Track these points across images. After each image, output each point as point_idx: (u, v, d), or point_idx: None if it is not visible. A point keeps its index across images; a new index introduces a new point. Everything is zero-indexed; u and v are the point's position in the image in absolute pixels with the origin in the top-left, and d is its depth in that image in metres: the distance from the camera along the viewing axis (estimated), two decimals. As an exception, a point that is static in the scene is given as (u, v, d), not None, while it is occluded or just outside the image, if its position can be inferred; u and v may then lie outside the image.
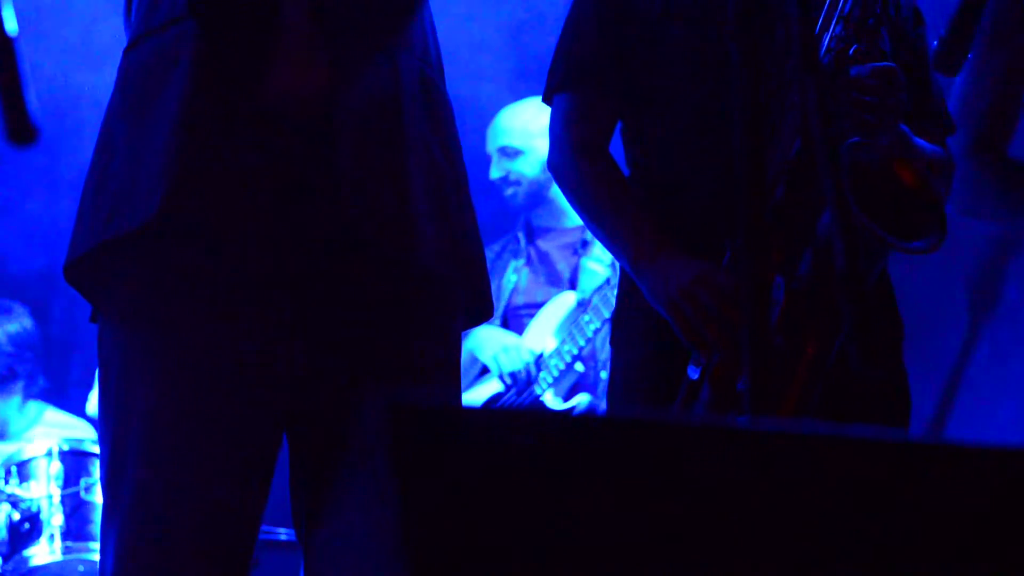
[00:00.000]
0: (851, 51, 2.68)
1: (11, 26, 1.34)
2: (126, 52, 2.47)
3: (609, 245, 2.98)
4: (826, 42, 2.70)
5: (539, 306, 5.25)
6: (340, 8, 2.42)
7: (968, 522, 1.17)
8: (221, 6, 2.39)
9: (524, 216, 5.39)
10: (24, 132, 1.32)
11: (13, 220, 6.31)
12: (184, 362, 2.36)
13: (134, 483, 2.34)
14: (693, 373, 2.70)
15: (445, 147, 2.51)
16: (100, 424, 2.45)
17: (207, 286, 2.36)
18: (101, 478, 2.43)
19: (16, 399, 5.51)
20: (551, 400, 5.13)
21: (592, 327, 5.00)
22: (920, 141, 2.87)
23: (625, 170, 3.05)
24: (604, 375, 4.97)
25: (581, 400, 5.09)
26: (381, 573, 2.11)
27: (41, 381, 5.58)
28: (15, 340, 5.47)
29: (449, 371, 2.50)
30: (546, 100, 3.09)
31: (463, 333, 2.61)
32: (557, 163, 3.04)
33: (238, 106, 2.35)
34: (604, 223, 2.93)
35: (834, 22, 2.69)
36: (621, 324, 3.00)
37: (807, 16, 1.63)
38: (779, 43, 2.65)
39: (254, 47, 2.38)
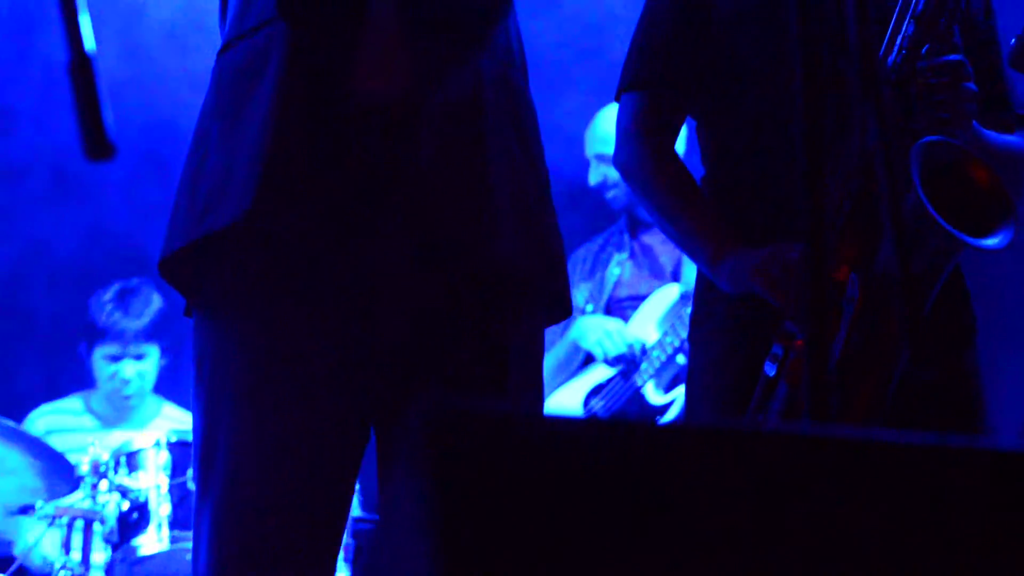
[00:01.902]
0: (923, 51, 2.69)
1: (89, 44, 1.41)
2: (220, 55, 2.54)
3: (682, 243, 3.03)
4: (898, 43, 2.72)
5: (642, 298, 5.30)
6: (426, 12, 2.47)
7: None
8: (310, 7, 2.45)
9: (627, 211, 5.44)
10: (102, 148, 1.38)
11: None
12: (274, 354, 2.42)
13: (224, 471, 2.41)
14: (770, 370, 2.74)
15: (527, 149, 2.55)
16: (193, 414, 2.52)
17: (296, 280, 2.43)
18: (193, 467, 2.50)
19: (151, 386, 5.63)
20: (652, 392, 5.17)
21: None
22: (992, 133, 2.88)
23: (698, 169, 3.09)
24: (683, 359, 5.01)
25: (682, 392, 5.13)
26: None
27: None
28: (157, 325, 5.53)
29: (530, 368, 2.55)
30: (617, 98, 3.13)
31: (545, 330, 2.65)
32: (625, 161, 3.09)
33: (326, 106, 2.41)
34: (677, 222, 2.98)
35: (906, 22, 2.71)
36: (699, 323, 3.04)
37: (867, 28, 1.65)
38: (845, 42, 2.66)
39: (341, 47, 2.44)
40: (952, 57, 2.72)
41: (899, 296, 1.50)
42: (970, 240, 2.59)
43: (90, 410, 5.65)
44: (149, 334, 5.52)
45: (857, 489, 1.17)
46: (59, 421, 5.60)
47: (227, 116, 2.46)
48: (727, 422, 1.47)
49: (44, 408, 5.67)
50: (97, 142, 1.38)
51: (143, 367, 5.55)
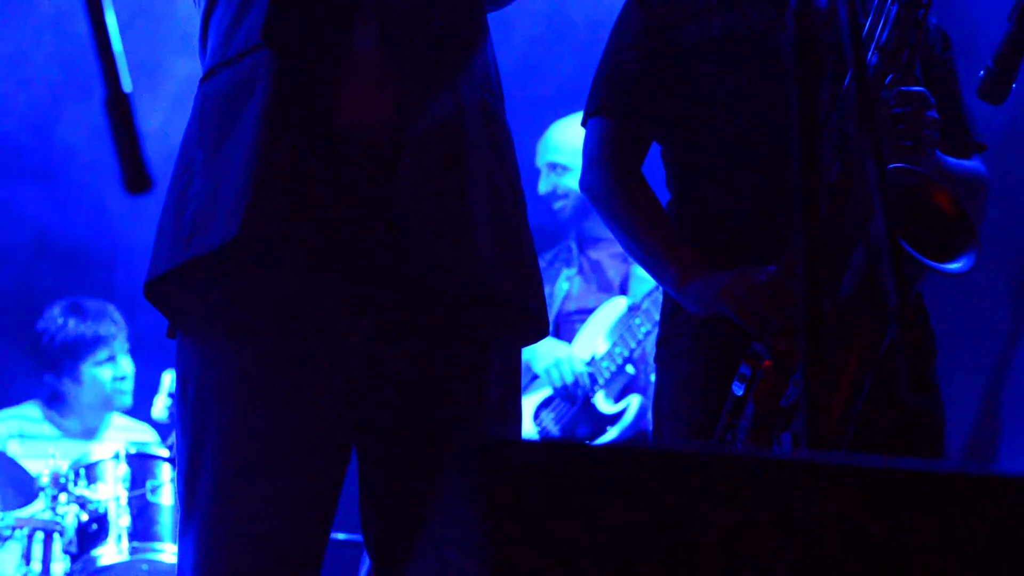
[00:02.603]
0: (887, 80, 2.77)
1: (127, 84, 1.45)
2: (202, 82, 2.58)
3: (649, 265, 3.09)
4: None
5: (590, 312, 5.38)
6: (407, 40, 2.53)
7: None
8: (295, 35, 2.50)
9: (575, 226, 5.50)
10: (140, 182, 1.42)
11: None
12: (260, 373, 2.47)
13: (211, 487, 2.45)
14: (738, 389, 2.81)
15: (505, 172, 2.61)
16: (177, 432, 2.56)
17: (283, 302, 2.48)
18: (178, 484, 2.54)
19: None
20: (602, 402, 5.24)
21: (643, 330, 5.13)
22: (952, 159, 2.97)
23: (664, 194, 3.15)
24: (654, 377, 5.08)
25: (633, 402, 5.20)
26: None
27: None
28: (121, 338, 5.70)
29: (508, 387, 2.61)
30: (583, 123, 3.19)
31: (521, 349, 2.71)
32: (592, 185, 3.15)
33: (311, 132, 2.46)
34: (644, 245, 3.05)
35: (871, 53, 2.78)
36: (666, 343, 3.10)
37: (861, 58, 1.72)
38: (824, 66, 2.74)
39: (326, 74, 2.48)
40: (915, 88, 2.81)
41: (897, 329, 1.56)
42: (934, 265, 2.67)
43: (49, 419, 5.69)
44: (126, 333, 5.72)
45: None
46: (18, 427, 5.63)
47: (211, 142, 2.50)
48: (768, 453, 1.53)
49: (1, 413, 5.71)
50: (136, 175, 1.42)
51: (128, 365, 5.72)
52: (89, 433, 5.68)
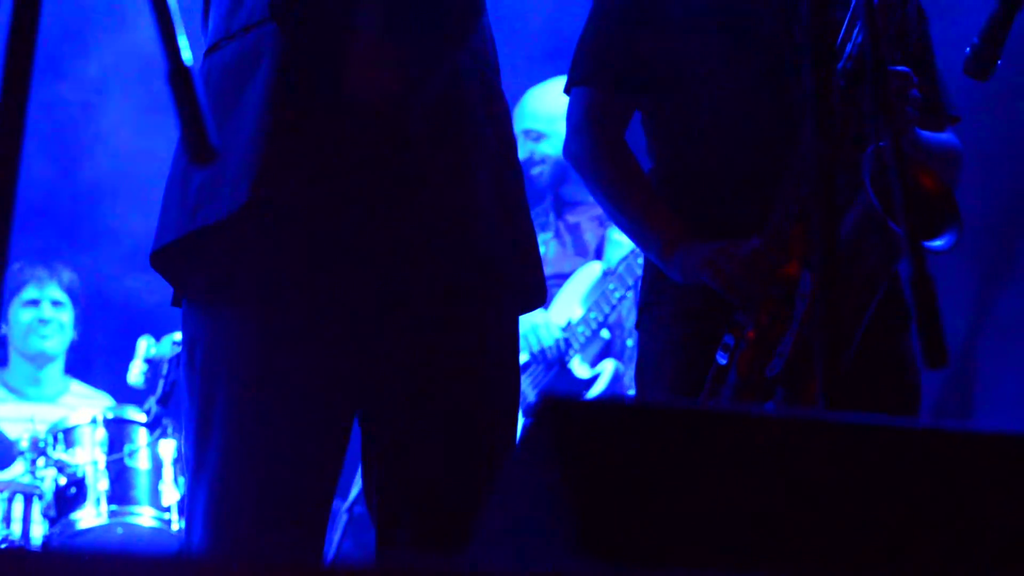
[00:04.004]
0: None
1: (187, 56, 1.50)
2: (206, 55, 2.61)
3: (633, 233, 3.13)
4: (848, 50, 2.85)
5: (567, 276, 5.42)
6: (410, 15, 2.58)
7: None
8: (300, 9, 2.54)
9: (552, 192, 5.55)
10: (205, 153, 1.47)
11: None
12: (267, 339, 2.52)
13: (221, 448, 2.50)
14: (721, 358, 2.87)
15: (504, 143, 2.67)
16: (185, 397, 2.60)
17: (290, 268, 2.52)
18: (187, 446, 2.58)
19: (61, 359, 5.77)
20: (578, 366, 5.29)
21: (617, 295, 5.18)
22: (927, 133, 3.04)
23: (646, 162, 3.19)
24: (630, 342, 5.14)
25: (607, 366, 5.26)
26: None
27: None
28: (72, 292, 5.75)
29: (507, 356, 2.67)
30: (566, 91, 3.23)
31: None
32: (576, 153, 3.18)
33: (317, 103, 2.50)
34: (628, 213, 3.08)
35: (856, 31, 2.84)
36: (648, 309, 3.14)
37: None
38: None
39: (331, 49, 2.53)
40: (899, 67, 2.87)
41: (915, 299, 1.63)
42: None
43: (3, 383, 5.74)
44: (65, 287, 5.77)
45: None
46: None
47: (217, 114, 2.53)
48: (815, 413, 1.60)
49: None
50: (201, 146, 1.47)
51: (60, 316, 5.76)
52: (40, 397, 5.74)
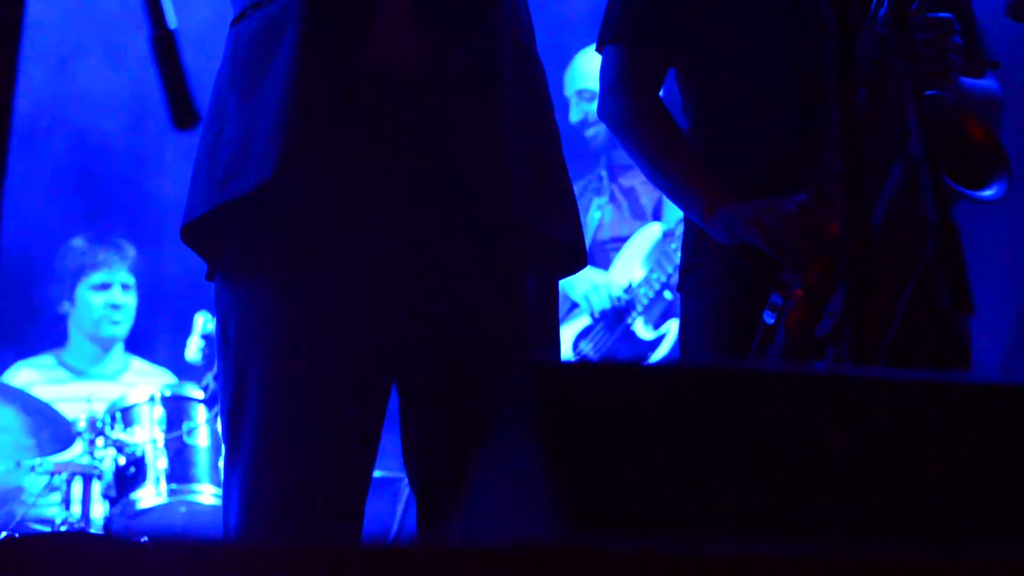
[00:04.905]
0: (913, 6, 2.76)
1: (171, 20, 1.46)
2: (233, 24, 2.58)
3: (673, 194, 3.07)
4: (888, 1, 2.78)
5: (624, 239, 5.39)
6: None
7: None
8: None
9: (606, 154, 5.50)
10: (187, 118, 1.44)
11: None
12: (299, 312, 2.49)
13: (255, 427, 2.47)
14: (769, 318, 2.80)
15: (538, 106, 2.62)
16: (219, 374, 2.58)
17: (320, 239, 2.49)
18: (223, 425, 2.55)
19: (128, 327, 5.79)
20: (642, 328, 5.26)
21: (679, 255, 5.13)
22: (968, 80, 2.96)
23: (682, 121, 3.13)
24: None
25: (671, 327, 5.21)
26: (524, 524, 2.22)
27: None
28: (137, 271, 5.77)
29: (547, 319, 2.62)
30: (598, 49, 3.17)
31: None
32: (611, 112, 3.12)
33: (343, 71, 2.46)
34: (668, 173, 3.02)
35: None
36: (691, 271, 3.08)
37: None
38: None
39: (356, 15, 2.49)
40: (940, 14, 2.80)
41: (938, 243, 1.57)
42: (968, 192, 2.68)
43: (63, 364, 5.76)
44: (132, 267, 5.76)
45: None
46: (36, 376, 5.70)
47: (244, 85, 2.51)
48: (809, 367, 1.55)
49: (19, 364, 5.78)
50: (183, 111, 1.43)
51: (129, 299, 5.75)
52: (101, 375, 5.75)
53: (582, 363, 1.13)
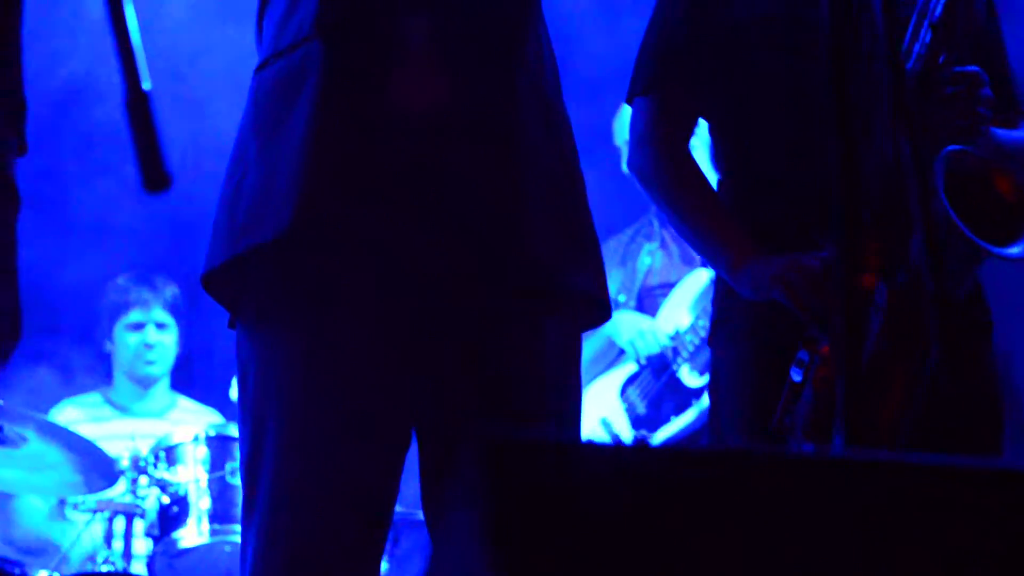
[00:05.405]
0: (940, 60, 2.73)
1: (146, 83, 1.46)
2: (257, 72, 2.60)
3: (701, 248, 3.05)
4: (916, 51, 2.75)
5: (672, 285, 5.37)
6: (457, 27, 2.53)
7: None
8: (345, 25, 2.51)
9: (657, 201, 5.47)
10: (159, 181, 1.43)
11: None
12: (317, 361, 2.47)
13: (271, 478, 2.46)
14: (796, 375, 2.77)
15: (561, 154, 2.60)
16: (239, 424, 2.57)
17: (338, 287, 2.48)
18: (241, 475, 2.55)
19: (167, 377, 5.79)
20: (688, 375, 5.23)
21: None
22: (1002, 131, 2.92)
23: (714, 171, 3.11)
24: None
25: None
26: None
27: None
28: (176, 309, 5.77)
29: (567, 371, 2.59)
30: (628, 102, 3.15)
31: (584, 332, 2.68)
32: (641, 166, 3.11)
33: (362, 120, 2.46)
34: (696, 227, 3.01)
35: (924, 30, 2.74)
36: (721, 324, 3.06)
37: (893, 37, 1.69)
38: (867, 44, 2.70)
39: (375, 63, 2.49)
40: (968, 68, 2.76)
41: (935, 315, 1.53)
42: (994, 249, 2.63)
43: (109, 402, 5.81)
44: (170, 306, 5.78)
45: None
46: (81, 414, 5.74)
47: (265, 132, 2.52)
48: (765, 449, 1.52)
49: (65, 402, 5.82)
50: (155, 174, 1.42)
51: (164, 339, 5.78)
52: (147, 412, 5.78)
53: (535, 441, 1.10)
